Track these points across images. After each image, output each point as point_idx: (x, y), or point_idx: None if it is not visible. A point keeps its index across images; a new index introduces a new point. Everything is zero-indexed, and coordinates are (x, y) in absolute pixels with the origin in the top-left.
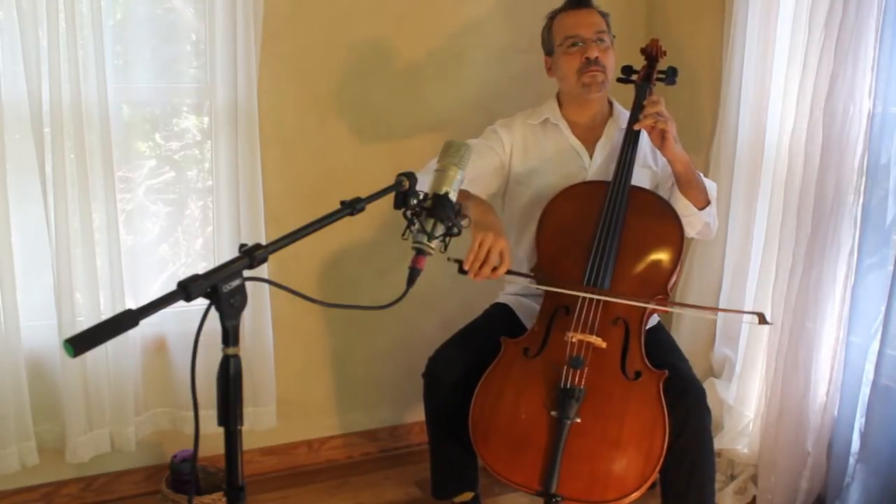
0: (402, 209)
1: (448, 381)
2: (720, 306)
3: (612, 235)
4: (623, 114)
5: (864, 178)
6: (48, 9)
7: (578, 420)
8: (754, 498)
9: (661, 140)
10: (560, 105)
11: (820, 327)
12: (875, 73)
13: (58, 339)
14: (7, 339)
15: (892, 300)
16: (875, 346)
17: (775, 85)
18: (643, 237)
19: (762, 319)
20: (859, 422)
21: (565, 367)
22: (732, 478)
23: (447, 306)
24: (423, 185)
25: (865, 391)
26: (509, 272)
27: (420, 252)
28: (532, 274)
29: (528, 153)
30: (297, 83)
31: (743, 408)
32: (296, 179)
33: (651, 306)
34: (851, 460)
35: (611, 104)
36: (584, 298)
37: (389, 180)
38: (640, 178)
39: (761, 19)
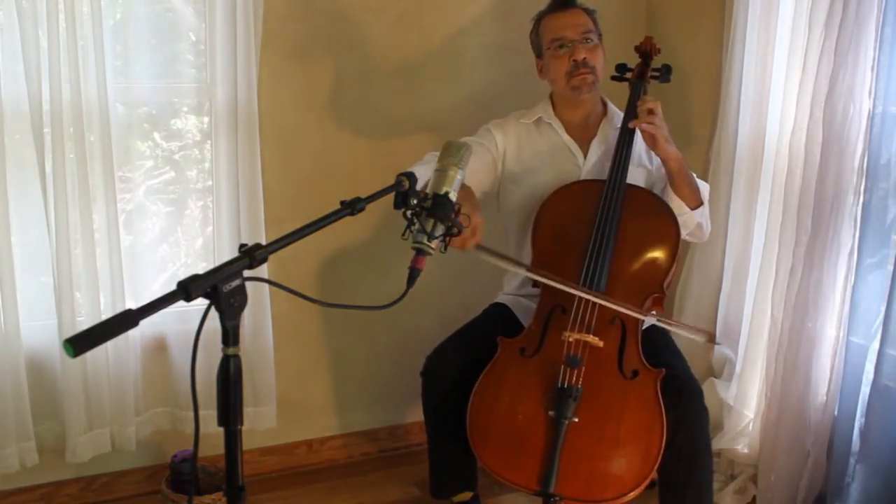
0: (402, 209)
1: (446, 380)
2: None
3: (608, 234)
4: (617, 113)
5: (864, 178)
6: (48, 9)
7: (576, 420)
8: (754, 498)
9: (652, 141)
10: (553, 105)
11: (820, 327)
12: (875, 73)
13: (58, 339)
14: (7, 339)
15: (892, 300)
16: (875, 346)
17: (775, 85)
18: (639, 236)
19: (711, 339)
20: (859, 422)
21: (562, 367)
22: (732, 478)
23: (447, 306)
24: (418, 175)
25: (865, 391)
26: (480, 247)
27: (420, 252)
28: (511, 257)
29: (522, 152)
30: (297, 83)
31: (743, 408)
32: (296, 180)
33: (633, 312)
34: (851, 460)
35: (605, 104)
36: (580, 297)
37: (389, 180)
38: (635, 177)
39: (761, 19)
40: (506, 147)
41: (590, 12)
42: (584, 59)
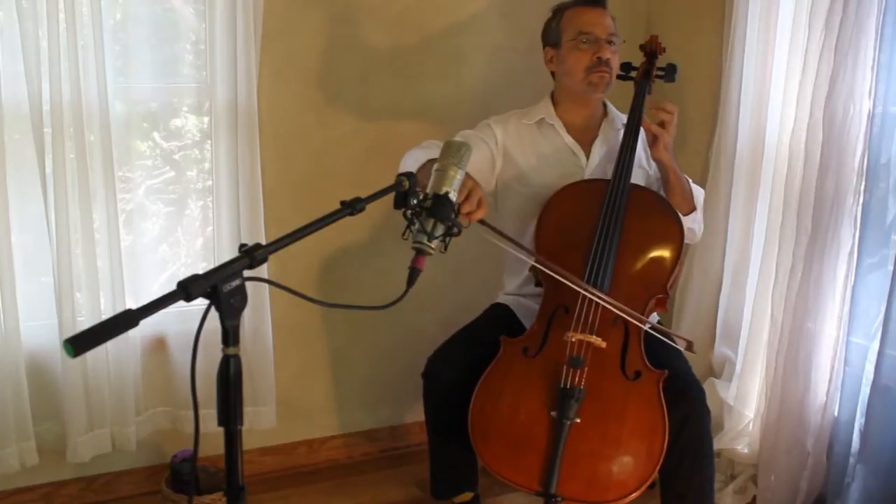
0: (402, 209)
1: (447, 381)
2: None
3: (612, 234)
4: (618, 115)
5: (863, 178)
6: (48, 9)
7: (578, 420)
8: (754, 498)
9: (652, 141)
10: (555, 104)
11: (820, 327)
12: (875, 73)
13: (58, 339)
14: (7, 339)
15: (892, 300)
16: (875, 346)
17: (775, 85)
18: (643, 236)
19: (689, 347)
20: (859, 422)
21: (565, 367)
22: (732, 478)
23: (447, 306)
24: (410, 161)
25: (865, 391)
26: (482, 222)
27: (420, 252)
28: (514, 239)
29: (525, 153)
30: (297, 83)
31: (743, 408)
32: (296, 180)
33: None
34: (851, 460)
35: (604, 105)
36: (583, 298)
37: (389, 180)
38: (635, 178)
39: (761, 19)
40: (505, 144)
41: (613, 18)
42: (608, 59)
